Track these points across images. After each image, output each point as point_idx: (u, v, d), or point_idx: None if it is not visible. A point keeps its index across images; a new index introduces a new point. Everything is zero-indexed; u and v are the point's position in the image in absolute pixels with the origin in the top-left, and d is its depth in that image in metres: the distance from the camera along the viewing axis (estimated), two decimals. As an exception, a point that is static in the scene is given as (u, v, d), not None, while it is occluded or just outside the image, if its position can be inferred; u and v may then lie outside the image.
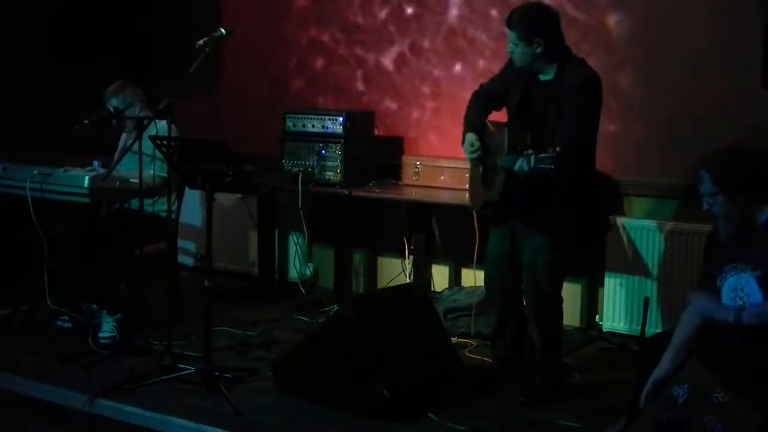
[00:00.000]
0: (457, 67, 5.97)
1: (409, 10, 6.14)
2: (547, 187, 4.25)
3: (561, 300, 4.58)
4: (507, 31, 4.40)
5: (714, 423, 3.24)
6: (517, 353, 4.77)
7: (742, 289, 3.51)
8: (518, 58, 4.38)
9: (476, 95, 4.66)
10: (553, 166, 3.99)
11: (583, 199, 4.44)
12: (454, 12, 5.97)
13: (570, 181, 4.26)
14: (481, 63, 5.86)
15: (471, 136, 4.49)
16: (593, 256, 5.49)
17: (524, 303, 4.66)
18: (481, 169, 4.59)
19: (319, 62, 6.52)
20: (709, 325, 3.55)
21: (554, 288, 4.52)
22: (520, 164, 4.10)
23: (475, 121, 4.56)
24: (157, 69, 6.70)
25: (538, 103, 4.39)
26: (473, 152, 4.48)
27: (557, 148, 4.02)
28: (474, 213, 4.86)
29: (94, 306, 5.34)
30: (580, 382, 4.83)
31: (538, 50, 4.33)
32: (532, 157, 4.05)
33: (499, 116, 4.64)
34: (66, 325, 5.38)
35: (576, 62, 4.42)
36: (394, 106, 6.27)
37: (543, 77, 4.41)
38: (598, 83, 4.38)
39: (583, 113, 4.30)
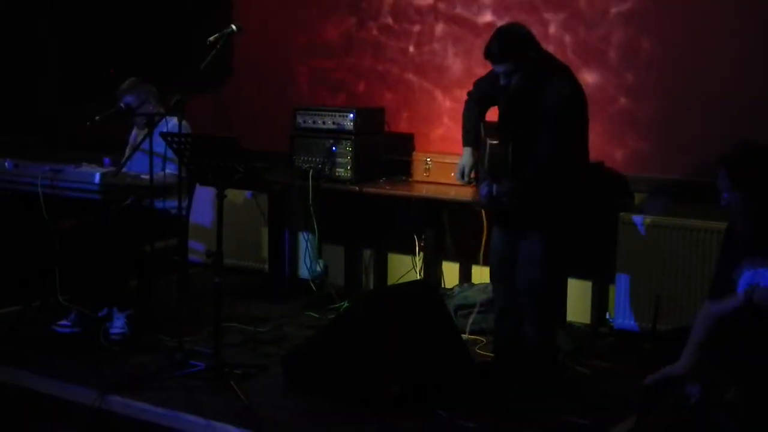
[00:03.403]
0: (469, 61, 5.95)
1: (422, 5, 6.14)
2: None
3: (555, 294, 4.65)
4: (493, 65, 4.39)
5: (726, 422, 3.23)
6: (513, 349, 4.75)
7: (758, 284, 3.50)
8: (518, 83, 4.36)
9: (471, 95, 4.73)
10: (505, 200, 4.30)
11: (573, 196, 4.48)
12: (468, 7, 5.98)
13: (560, 183, 4.35)
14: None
15: (463, 160, 4.65)
16: (604, 253, 5.49)
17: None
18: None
19: (330, 58, 6.52)
20: (724, 323, 3.54)
21: (549, 283, 4.56)
22: (483, 191, 4.37)
23: (469, 126, 4.66)
24: (168, 66, 6.72)
25: (521, 108, 4.41)
26: (462, 181, 4.68)
27: (526, 174, 4.27)
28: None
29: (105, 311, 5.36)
30: (590, 380, 4.83)
31: (534, 62, 4.35)
32: (494, 187, 4.30)
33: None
34: (65, 330, 5.38)
35: (560, 72, 4.44)
36: (404, 102, 6.26)
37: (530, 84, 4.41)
38: (580, 98, 4.41)
39: (559, 132, 4.32)
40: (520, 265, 4.53)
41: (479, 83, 4.71)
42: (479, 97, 4.67)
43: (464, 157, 4.64)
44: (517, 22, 4.67)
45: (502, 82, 4.39)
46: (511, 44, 4.32)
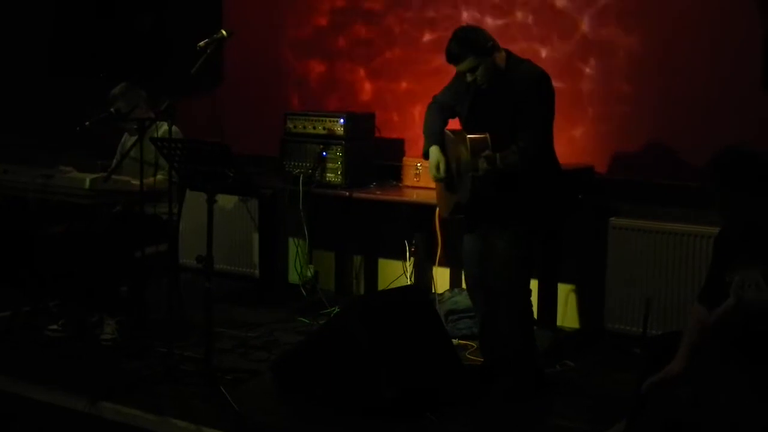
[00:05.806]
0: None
1: (413, 9, 6.15)
2: (513, 182, 4.42)
3: (530, 292, 4.67)
4: (457, 65, 4.47)
5: (719, 424, 3.24)
6: (502, 353, 4.75)
7: (749, 286, 3.51)
8: (484, 76, 4.46)
9: (431, 106, 4.77)
10: (519, 160, 4.30)
11: (548, 188, 4.55)
12: (459, 11, 5.99)
13: (534, 174, 4.43)
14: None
15: (435, 156, 4.61)
16: (594, 258, 5.50)
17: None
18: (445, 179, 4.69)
19: (321, 63, 6.52)
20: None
21: (526, 280, 4.60)
22: (484, 166, 4.32)
23: (434, 129, 4.68)
24: (159, 70, 6.71)
25: (489, 103, 4.50)
26: (438, 176, 4.63)
27: (519, 143, 4.29)
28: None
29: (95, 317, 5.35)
30: (581, 384, 4.84)
31: (497, 53, 4.47)
32: (497, 156, 4.30)
33: (454, 124, 4.73)
34: (56, 335, 5.38)
35: (524, 62, 4.56)
36: (395, 107, 6.27)
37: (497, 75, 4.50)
38: (549, 79, 4.50)
39: (541, 111, 4.44)
40: (495, 265, 4.56)
41: (437, 97, 4.78)
42: (440, 106, 4.73)
43: (433, 155, 4.64)
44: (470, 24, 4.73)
45: (468, 79, 4.47)
46: (468, 40, 4.44)
